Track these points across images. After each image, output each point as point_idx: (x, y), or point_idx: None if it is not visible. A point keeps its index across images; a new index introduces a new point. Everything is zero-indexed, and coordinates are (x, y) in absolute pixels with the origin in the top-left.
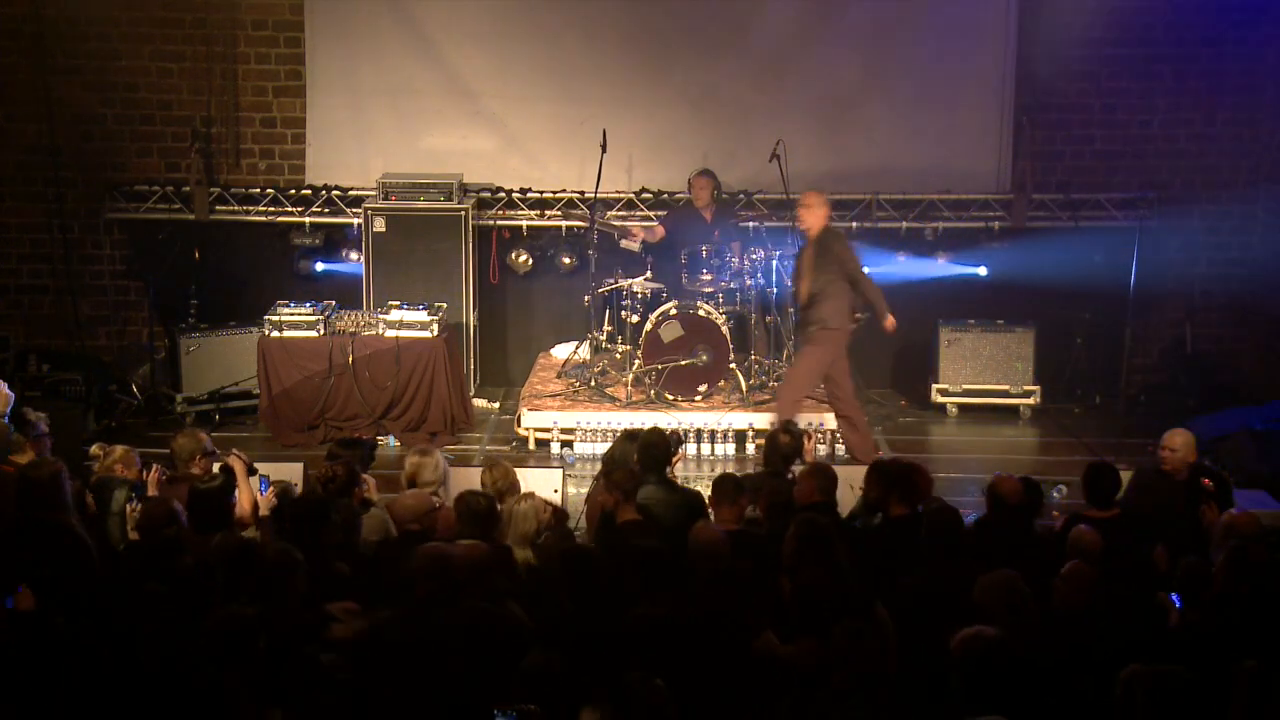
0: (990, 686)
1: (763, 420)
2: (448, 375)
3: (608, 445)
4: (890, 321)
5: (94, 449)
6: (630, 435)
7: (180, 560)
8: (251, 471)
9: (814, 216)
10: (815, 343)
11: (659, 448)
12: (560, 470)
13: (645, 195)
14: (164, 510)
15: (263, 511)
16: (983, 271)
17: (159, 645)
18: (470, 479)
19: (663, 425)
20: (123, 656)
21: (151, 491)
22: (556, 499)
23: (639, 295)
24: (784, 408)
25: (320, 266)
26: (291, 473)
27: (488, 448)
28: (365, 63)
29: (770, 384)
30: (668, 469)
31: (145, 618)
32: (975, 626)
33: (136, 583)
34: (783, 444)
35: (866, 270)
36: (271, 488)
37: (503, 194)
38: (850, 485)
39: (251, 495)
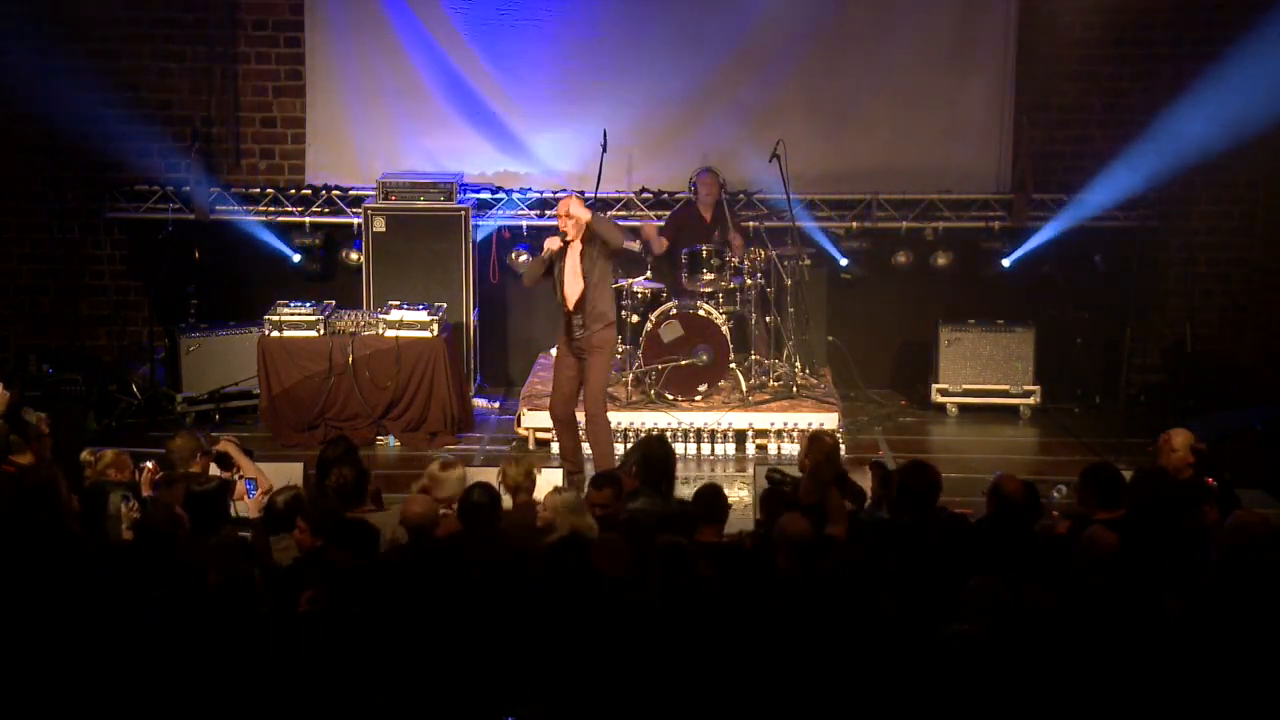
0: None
1: (763, 420)
2: (448, 375)
3: None
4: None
5: (84, 455)
6: (657, 442)
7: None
8: (246, 452)
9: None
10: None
11: (664, 463)
12: (561, 470)
13: (645, 195)
14: (166, 515)
15: (253, 514)
16: (1006, 263)
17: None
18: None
19: (662, 425)
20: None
21: (145, 491)
22: None
23: (639, 295)
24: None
25: (296, 257)
26: (291, 473)
27: (488, 448)
28: (365, 63)
29: (770, 384)
30: (665, 484)
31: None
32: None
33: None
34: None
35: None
36: (259, 491)
37: (503, 194)
38: None
39: (254, 470)
